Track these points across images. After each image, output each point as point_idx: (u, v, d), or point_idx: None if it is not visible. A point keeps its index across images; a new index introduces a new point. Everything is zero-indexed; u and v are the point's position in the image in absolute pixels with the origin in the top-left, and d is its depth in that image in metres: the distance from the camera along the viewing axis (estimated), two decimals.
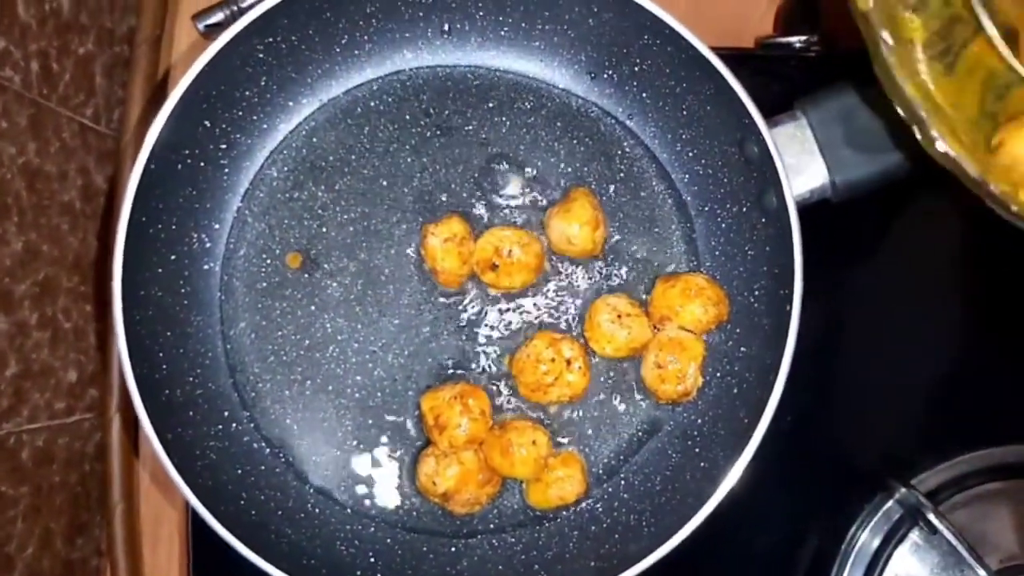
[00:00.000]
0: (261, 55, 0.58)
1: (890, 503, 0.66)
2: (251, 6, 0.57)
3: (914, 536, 0.65)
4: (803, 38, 0.69)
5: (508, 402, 0.62)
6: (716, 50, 0.56)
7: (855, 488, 0.68)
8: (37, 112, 0.64)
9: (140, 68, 0.72)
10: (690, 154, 0.62)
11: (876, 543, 0.66)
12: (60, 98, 0.67)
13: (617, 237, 0.63)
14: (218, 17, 0.65)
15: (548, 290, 0.62)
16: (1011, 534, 0.65)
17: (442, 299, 0.62)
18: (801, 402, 0.62)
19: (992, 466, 0.66)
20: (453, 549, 0.60)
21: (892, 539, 0.66)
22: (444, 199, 0.62)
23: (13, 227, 0.61)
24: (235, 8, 0.64)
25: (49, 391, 0.67)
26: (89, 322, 0.72)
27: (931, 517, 0.63)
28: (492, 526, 0.61)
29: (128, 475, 0.71)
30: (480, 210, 0.63)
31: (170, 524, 0.73)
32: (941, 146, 0.47)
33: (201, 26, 0.66)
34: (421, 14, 0.61)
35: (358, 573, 0.58)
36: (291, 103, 0.61)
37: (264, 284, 0.61)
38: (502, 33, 0.62)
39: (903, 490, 0.65)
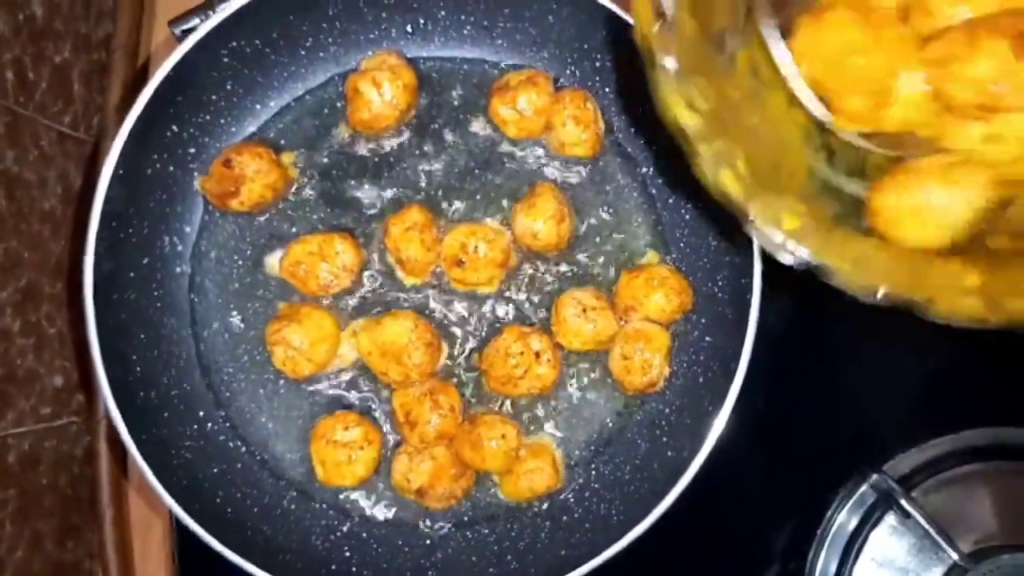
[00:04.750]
0: (227, 59, 0.59)
1: (864, 487, 0.67)
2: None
3: (890, 519, 0.66)
4: None
5: (478, 397, 0.62)
6: None
7: (830, 472, 0.68)
8: (14, 120, 0.65)
9: (117, 74, 0.72)
10: (655, 148, 0.63)
11: (852, 525, 0.67)
12: (37, 106, 0.68)
13: (583, 230, 0.63)
14: (194, 22, 0.65)
15: (515, 284, 0.63)
16: (987, 514, 0.66)
17: (412, 295, 0.63)
18: (774, 389, 0.63)
19: (964, 448, 0.66)
20: (428, 542, 0.61)
21: (868, 522, 0.66)
22: (410, 195, 0.63)
23: None
24: (211, 13, 0.64)
25: (35, 396, 0.67)
26: (73, 328, 0.73)
27: (902, 502, 0.63)
28: (466, 519, 0.62)
29: (116, 480, 0.71)
30: (446, 207, 0.63)
31: (159, 530, 0.74)
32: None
33: (177, 31, 0.66)
34: (384, 15, 0.61)
35: (333, 567, 0.59)
36: (257, 106, 0.62)
37: (236, 285, 0.62)
38: (465, 32, 0.62)
39: (875, 476, 0.65)
